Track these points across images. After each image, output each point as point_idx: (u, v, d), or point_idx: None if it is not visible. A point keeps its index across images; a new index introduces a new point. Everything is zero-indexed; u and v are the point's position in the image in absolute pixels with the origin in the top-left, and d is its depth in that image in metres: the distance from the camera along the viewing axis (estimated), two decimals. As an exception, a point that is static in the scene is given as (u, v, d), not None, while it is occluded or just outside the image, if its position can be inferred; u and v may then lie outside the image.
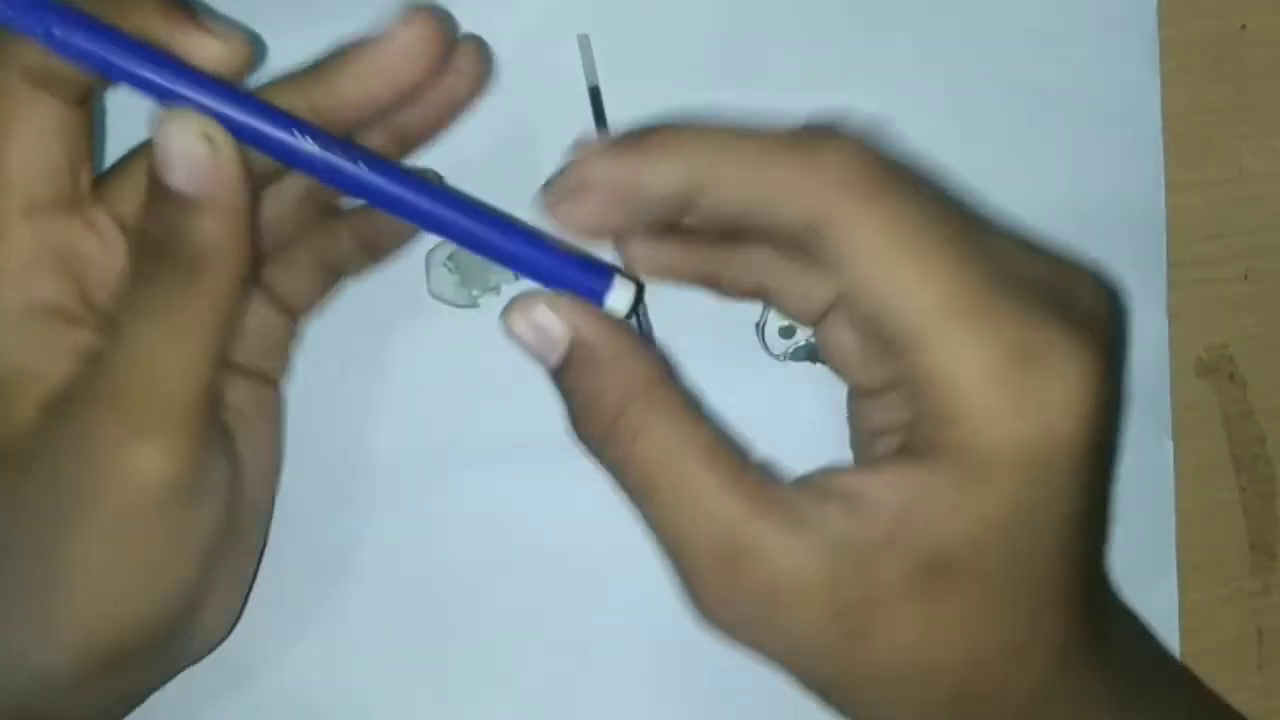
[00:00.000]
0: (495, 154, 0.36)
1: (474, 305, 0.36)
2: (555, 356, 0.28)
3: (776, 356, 0.36)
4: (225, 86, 0.28)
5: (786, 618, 0.26)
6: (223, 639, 0.34)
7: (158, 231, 0.27)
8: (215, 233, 0.27)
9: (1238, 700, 0.36)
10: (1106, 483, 0.29)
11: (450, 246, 0.36)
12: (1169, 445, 0.38)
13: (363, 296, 0.36)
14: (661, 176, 0.27)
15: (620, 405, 0.27)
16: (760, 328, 0.36)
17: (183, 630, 0.31)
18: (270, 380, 0.35)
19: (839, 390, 0.34)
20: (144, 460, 0.27)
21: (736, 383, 0.36)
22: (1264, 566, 0.38)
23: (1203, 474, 0.38)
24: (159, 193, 0.27)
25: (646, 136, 0.28)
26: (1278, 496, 0.38)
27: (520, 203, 0.35)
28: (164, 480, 0.27)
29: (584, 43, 0.36)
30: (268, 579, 0.36)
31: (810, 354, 0.36)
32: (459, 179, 0.36)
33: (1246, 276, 0.38)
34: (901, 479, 0.26)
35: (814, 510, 0.26)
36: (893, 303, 0.26)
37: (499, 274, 0.36)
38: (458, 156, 0.36)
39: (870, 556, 0.26)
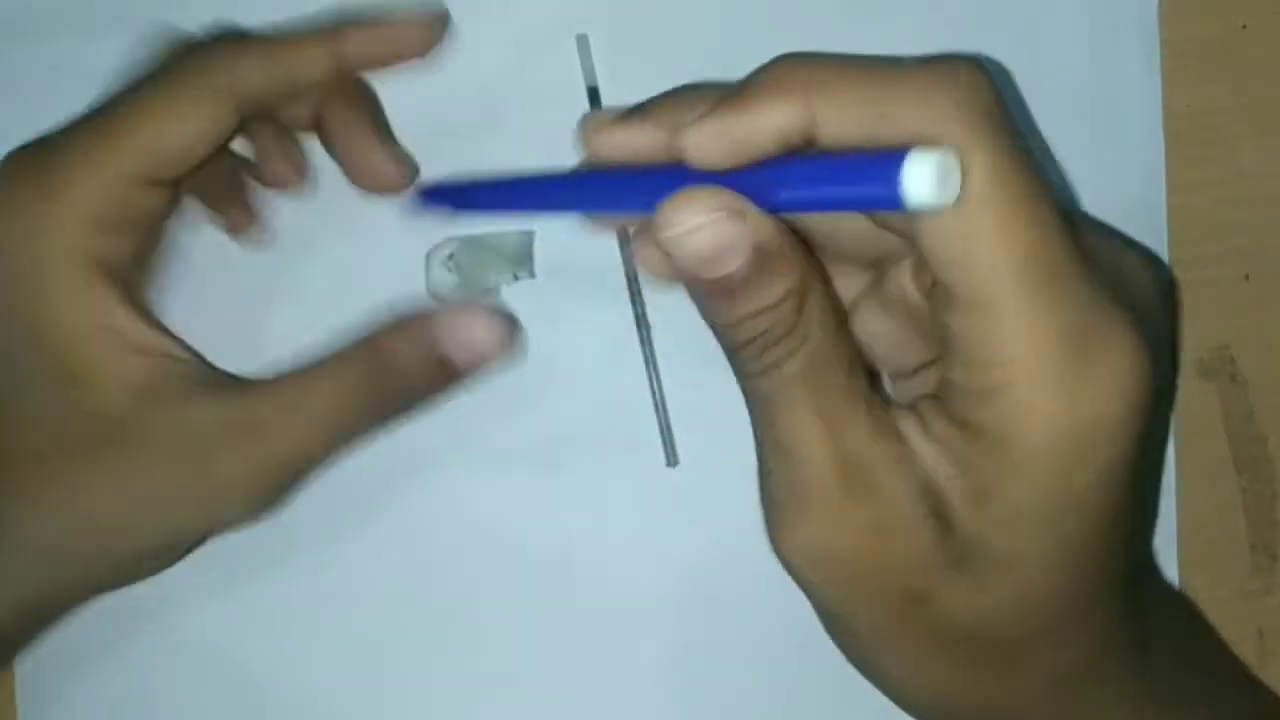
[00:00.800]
0: (492, 155, 0.36)
1: None
2: (741, 263, 0.25)
3: None
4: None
5: (891, 549, 0.26)
6: None
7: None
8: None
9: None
10: (1150, 473, 0.27)
11: (450, 246, 0.36)
12: (1170, 446, 0.38)
13: (363, 295, 0.36)
14: (777, 121, 0.25)
15: (795, 305, 0.25)
16: None
17: None
18: None
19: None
20: (243, 492, 0.30)
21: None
22: (1264, 568, 0.38)
23: (1204, 475, 0.38)
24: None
25: (755, 83, 0.26)
26: (1278, 498, 0.38)
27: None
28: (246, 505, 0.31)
29: (582, 43, 0.36)
30: (269, 580, 0.36)
31: None
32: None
33: (1248, 277, 0.38)
34: (937, 459, 0.25)
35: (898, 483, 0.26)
36: (969, 255, 0.24)
37: (498, 274, 0.36)
38: (456, 158, 0.36)
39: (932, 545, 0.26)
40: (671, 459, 0.36)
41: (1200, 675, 0.31)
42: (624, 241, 0.36)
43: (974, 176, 0.24)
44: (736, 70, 0.37)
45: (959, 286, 0.24)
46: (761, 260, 0.25)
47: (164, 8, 0.36)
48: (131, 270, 0.31)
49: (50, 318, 0.28)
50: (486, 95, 0.37)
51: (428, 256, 0.36)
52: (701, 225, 0.24)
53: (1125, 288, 0.26)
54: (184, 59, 0.31)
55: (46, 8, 0.37)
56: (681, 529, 0.37)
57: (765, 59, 0.37)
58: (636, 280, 0.36)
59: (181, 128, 0.29)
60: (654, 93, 0.34)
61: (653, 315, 0.36)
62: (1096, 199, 0.37)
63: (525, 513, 0.37)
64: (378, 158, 0.33)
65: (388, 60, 0.33)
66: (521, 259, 0.36)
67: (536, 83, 0.37)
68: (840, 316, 0.26)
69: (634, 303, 0.36)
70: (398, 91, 0.36)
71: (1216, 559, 0.37)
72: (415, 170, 0.35)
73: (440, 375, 0.32)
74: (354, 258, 0.36)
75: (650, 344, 0.36)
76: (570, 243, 0.36)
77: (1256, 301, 0.38)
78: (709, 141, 0.26)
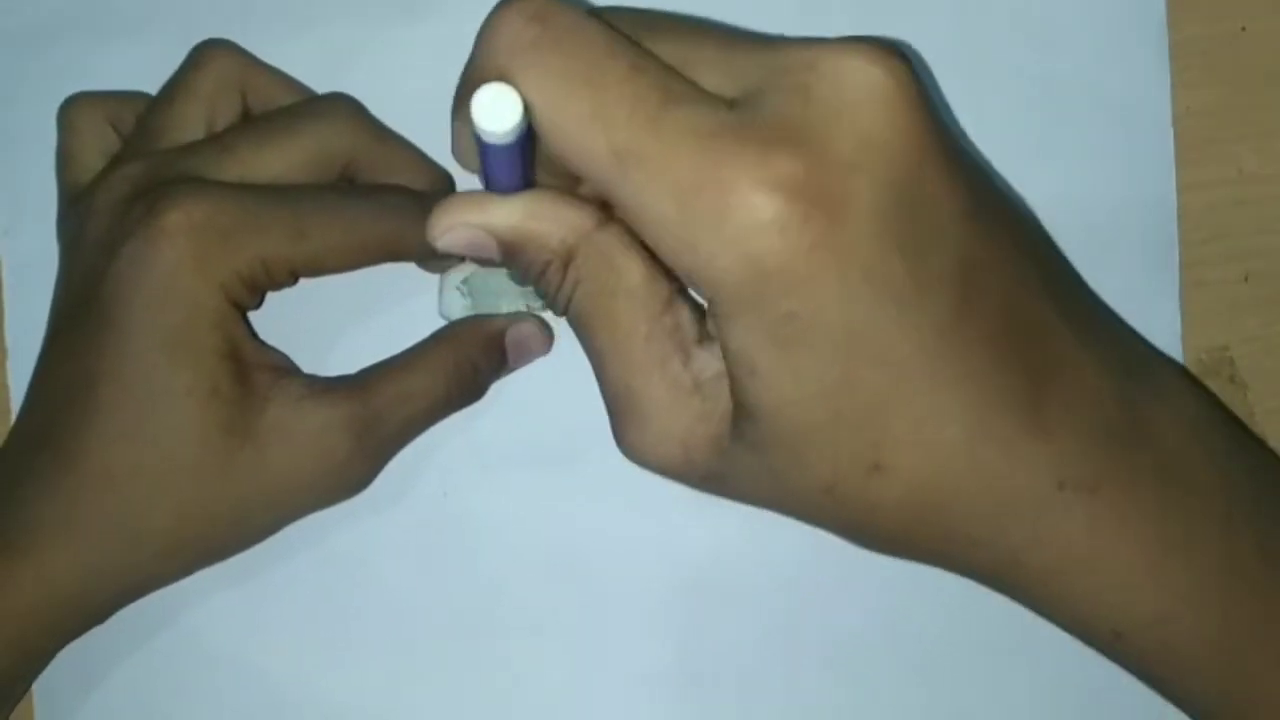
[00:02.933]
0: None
1: None
2: (493, 253, 0.29)
3: None
4: None
5: (680, 454, 0.29)
6: None
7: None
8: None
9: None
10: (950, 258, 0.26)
11: (465, 270, 0.36)
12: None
13: (376, 313, 0.37)
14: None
15: (559, 266, 0.29)
16: None
17: None
18: None
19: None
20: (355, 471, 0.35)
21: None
22: (1265, 568, 0.38)
23: (1204, 476, 0.38)
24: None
25: None
26: (1279, 498, 0.38)
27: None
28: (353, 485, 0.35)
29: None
30: (280, 581, 0.37)
31: None
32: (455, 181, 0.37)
33: (1247, 279, 0.38)
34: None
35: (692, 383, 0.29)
36: (577, 159, 0.26)
37: (510, 303, 0.36)
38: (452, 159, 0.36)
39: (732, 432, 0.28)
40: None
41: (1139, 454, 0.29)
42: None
43: (542, 97, 0.26)
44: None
45: (597, 188, 0.27)
46: (510, 246, 0.28)
47: (169, 14, 0.37)
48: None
49: (198, 345, 0.32)
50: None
51: (441, 279, 0.36)
52: (448, 233, 0.28)
53: (771, 108, 0.26)
54: (372, 206, 0.34)
55: (50, 13, 0.37)
56: (688, 526, 0.37)
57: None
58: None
59: (343, 259, 0.34)
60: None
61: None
62: (1107, 196, 0.38)
63: (534, 511, 0.37)
64: None
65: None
66: (536, 291, 0.36)
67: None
68: (628, 258, 0.28)
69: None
70: (396, 93, 0.36)
71: (1217, 560, 0.38)
72: None
73: (499, 368, 0.36)
74: (368, 275, 0.36)
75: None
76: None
77: (1256, 303, 0.38)
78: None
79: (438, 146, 0.36)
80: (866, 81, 0.25)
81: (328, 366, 0.35)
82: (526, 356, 0.37)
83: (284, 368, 0.34)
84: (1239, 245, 0.38)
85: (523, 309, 0.36)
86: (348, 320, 0.37)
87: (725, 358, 0.27)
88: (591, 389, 0.36)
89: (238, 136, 0.34)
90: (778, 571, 0.37)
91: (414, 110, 0.36)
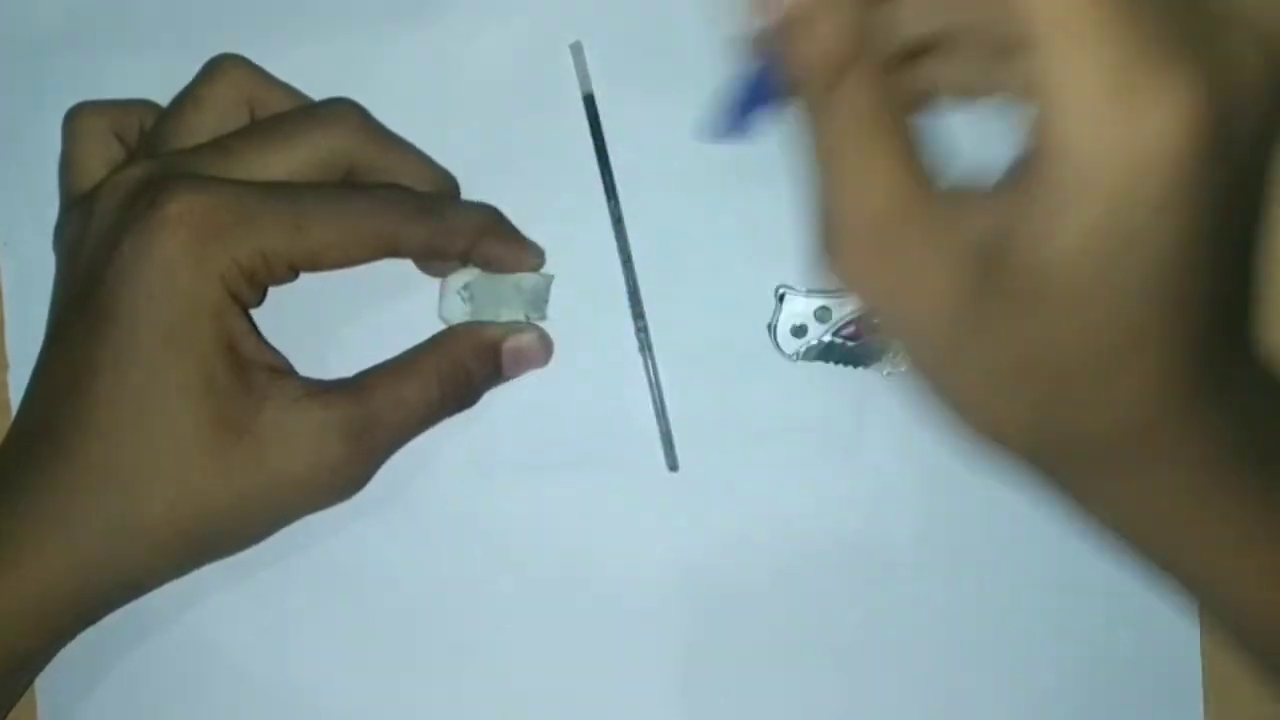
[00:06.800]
0: (491, 160, 0.37)
1: None
2: (775, 17, 0.27)
3: (789, 356, 0.37)
4: None
5: (909, 308, 0.27)
6: None
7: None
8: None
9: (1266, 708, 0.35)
10: (1239, 247, 0.27)
11: (467, 275, 0.36)
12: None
13: (376, 314, 0.37)
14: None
15: (842, 64, 0.27)
16: (772, 328, 0.37)
17: None
18: None
19: (850, 388, 0.36)
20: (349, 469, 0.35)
21: (750, 382, 0.37)
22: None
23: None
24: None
25: None
26: None
27: (515, 208, 0.36)
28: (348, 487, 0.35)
29: (577, 50, 0.37)
30: (281, 584, 0.37)
31: (822, 353, 0.37)
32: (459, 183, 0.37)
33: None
34: (996, 205, 0.27)
35: (952, 223, 0.27)
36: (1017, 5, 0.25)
37: (511, 312, 0.36)
38: (455, 164, 0.36)
39: (978, 280, 0.27)
40: (672, 464, 0.37)
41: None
42: (625, 259, 0.37)
43: None
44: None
45: (1018, 36, 0.25)
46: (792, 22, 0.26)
47: (170, 24, 0.37)
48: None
49: (196, 337, 0.32)
50: (485, 103, 0.37)
51: (443, 282, 0.37)
52: None
53: (1206, 36, 0.25)
54: (371, 203, 0.35)
55: (49, 26, 0.37)
56: (682, 529, 0.37)
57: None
58: (638, 296, 0.37)
59: (342, 254, 0.34)
60: (649, 98, 0.35)
61: (664, 312, 0.37)
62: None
63: (532, 517, 0.37)
64: (527, 259, 0.37)
65: (495, 264, 0.37)
66: (537, 301, 0.37)
67: (533, 91, 0.37)
68: (893, 95, 0.27)
69: (635, 318, 0.37)
70: (398, 99, 0.36)
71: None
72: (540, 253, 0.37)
73: (493, 376, 0.36)
74: (369, 273, 0.36)
75: (651, 357, 0.37)
76: (574, 259, 0.37)
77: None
78: None
79: (440, 149, 0.36)
80: None
81: (327, 366, 0.35)
82: (523, 366, 0.37)
83: (282, 369, 0.34)
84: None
85: (523, 318, 0.36)
86: (348, 321, 0.37)
87: (1025, 250, 0.26)
88: (592, 394, 0.37)
89: (241, 140, 0.34)
90: (780, 572, 0.37)
91: (418, 114, 0.36)
